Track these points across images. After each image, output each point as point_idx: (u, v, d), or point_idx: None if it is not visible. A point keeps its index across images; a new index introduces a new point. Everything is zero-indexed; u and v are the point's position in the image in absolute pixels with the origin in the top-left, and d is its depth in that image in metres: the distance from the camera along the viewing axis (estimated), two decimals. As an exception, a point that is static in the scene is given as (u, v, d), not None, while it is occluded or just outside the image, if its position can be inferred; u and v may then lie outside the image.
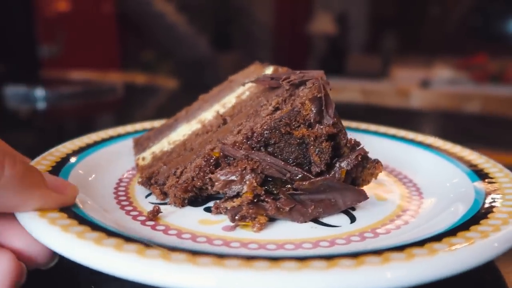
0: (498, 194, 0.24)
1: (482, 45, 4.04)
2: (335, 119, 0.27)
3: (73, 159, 0.30)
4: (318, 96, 0.27)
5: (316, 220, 0.27)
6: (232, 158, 0.26)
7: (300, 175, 0.26)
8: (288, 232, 0.25)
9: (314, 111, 0.26)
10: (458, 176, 0.30)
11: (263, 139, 0.26)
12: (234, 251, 0.22)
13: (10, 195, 0.19)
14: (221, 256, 0.18)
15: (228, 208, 0.26)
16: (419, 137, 0.39)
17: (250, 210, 0.25)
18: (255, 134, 0.26)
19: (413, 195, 0.31)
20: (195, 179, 0.27)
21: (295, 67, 0.32)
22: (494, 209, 0.22)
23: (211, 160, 0.27)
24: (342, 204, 0.27)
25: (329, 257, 0.18)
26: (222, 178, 0.26)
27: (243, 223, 0.25)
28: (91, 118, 0.75)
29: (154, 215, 0.26)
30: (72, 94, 0.79)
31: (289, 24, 5.09)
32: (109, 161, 0.33)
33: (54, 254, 0.21)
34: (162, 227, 0.25)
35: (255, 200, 0.26)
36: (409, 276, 0.16)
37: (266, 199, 0.26)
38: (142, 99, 0.94)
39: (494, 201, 0.23)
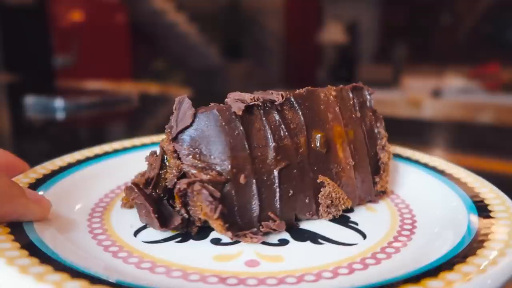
0: (493, 223, 0.23)
1: (495, 53, 4.00)
2: (175, 135, 0.24)
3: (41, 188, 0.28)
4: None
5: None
6: None
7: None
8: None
9: (170, 125, 0.25)
10: (454, 201, 0.27)
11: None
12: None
13: None
14: None
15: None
16: (416, 155, 0.36)
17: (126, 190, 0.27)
18: None
19: (406, 219, 0.28)
20: None
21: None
22: (490, 237, 0.21)
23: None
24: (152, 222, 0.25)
25: None
26: None
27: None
28: (107, 127, 0.76)
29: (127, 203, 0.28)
30: (89, 104, 0.81)
31: (299, 34, 5.11)
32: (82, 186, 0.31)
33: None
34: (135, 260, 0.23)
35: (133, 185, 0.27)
36: None
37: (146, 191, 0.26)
38: (156, 109, 0.96)
39: (489, 230, 0.22)
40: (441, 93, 2.26)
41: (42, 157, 0.44)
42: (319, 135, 0.26)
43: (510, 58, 3.77)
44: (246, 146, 0.24)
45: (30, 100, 0.80)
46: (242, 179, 0.23)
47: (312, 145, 0.26)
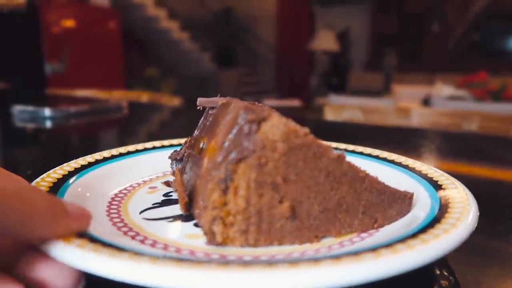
0: (450, 204, 0.27)
1: (483, 62, 4.07)
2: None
3: (71, 179, 0.31)
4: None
5: None
6: None
7: None
8: None
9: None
10: (417, 188, 0.31)
11: None
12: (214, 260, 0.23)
13: (39, 225, 0.20)
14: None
15: None
16: (376, 152, 0.39)
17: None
18: None
19: None
20: None
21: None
22: (446, 215, 0.25)
23: None
24: None
25: (294, 262, 0.19)
26: None
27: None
28: (96, 136, 0.76)
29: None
30: (78, 113, 0.81)
31: (292, 41, 5.15)
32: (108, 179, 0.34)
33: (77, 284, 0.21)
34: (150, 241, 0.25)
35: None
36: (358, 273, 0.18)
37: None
38: (146, 117, 0.96)
39: (447, 210, 0.26)
40: (431, 101, 2.29)
41: (29, 165, 0.44)
42: (202, 141, 0.30)
43: (497, 66, 3.83)
44: (197, 130, 0.34)
45: (18, 110, 0.80)
46: (193, 150, 0.32)
47: (198, 146, 0.31)
